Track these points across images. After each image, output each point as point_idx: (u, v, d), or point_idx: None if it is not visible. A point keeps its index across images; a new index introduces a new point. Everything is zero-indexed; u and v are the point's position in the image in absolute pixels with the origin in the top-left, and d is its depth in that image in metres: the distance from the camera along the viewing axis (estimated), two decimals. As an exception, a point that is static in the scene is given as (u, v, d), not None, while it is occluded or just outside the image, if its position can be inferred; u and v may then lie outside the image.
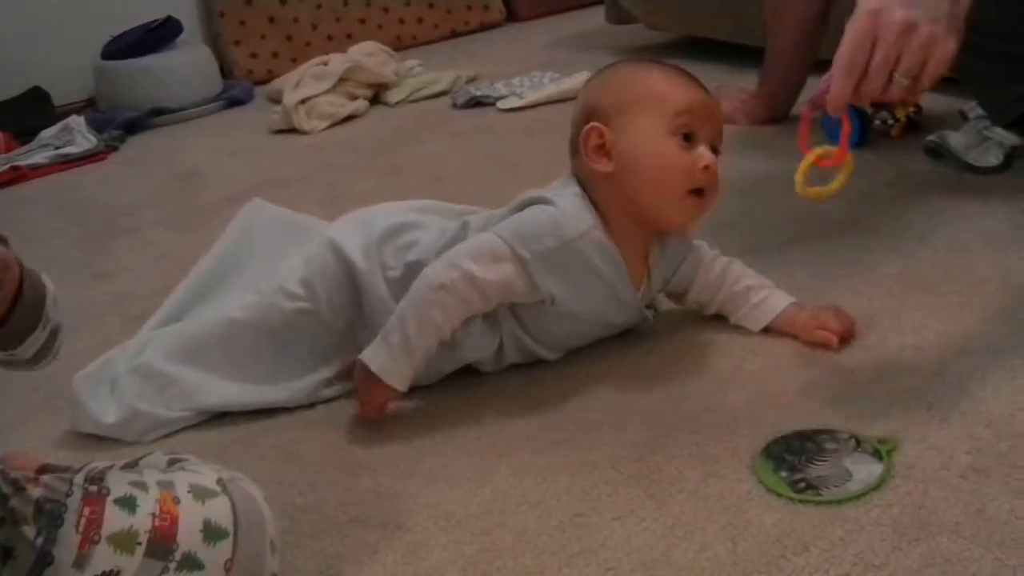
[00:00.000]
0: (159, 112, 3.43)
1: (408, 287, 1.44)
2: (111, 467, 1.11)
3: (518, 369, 1.51)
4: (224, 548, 1.05)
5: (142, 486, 1.05)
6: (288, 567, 1.17)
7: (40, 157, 3.13)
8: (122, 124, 3.34)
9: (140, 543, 1.00)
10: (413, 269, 1.46)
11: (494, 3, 4.29)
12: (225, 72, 3.81)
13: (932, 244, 1.64)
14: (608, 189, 1.44)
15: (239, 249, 1.76)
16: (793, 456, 1.23)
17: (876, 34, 1.24)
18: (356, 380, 1.43)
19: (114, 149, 3.22)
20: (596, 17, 3.64)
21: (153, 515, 1.02)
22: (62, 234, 2.50)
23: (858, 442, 1.24)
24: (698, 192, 1.43)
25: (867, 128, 2.19)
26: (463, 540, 1.18)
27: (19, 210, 2.77)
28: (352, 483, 1.32)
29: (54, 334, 1.11)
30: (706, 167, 1.42)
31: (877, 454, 1.21)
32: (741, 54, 2.83)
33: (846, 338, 1.46)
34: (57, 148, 3.18)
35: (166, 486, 1.06)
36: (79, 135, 3.22)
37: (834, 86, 1.29)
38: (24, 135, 3.29)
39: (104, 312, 1.97)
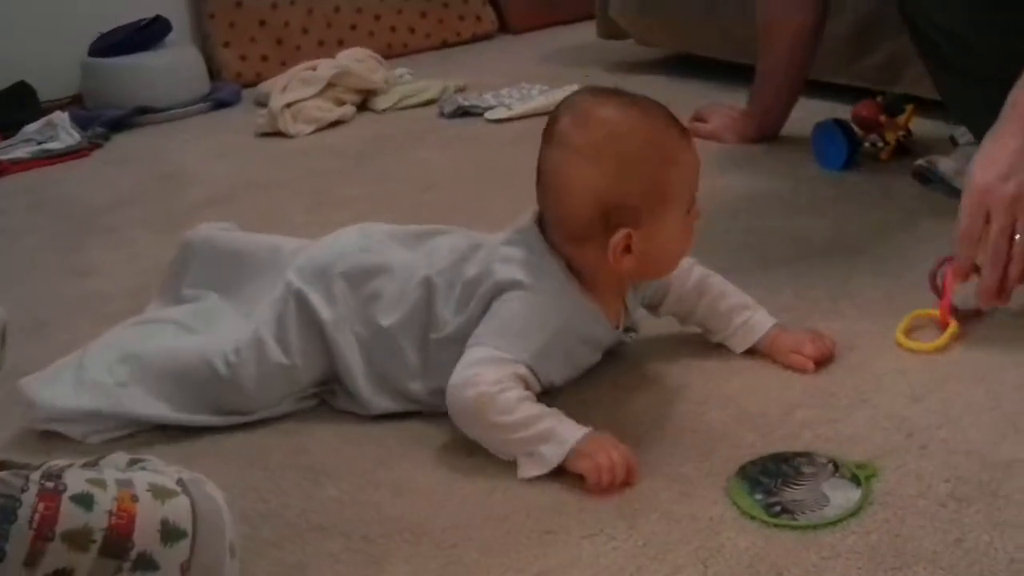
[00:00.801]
0: (144, 111, 3.37)
1: (377, 350, 1.41)
2: (70, 465, 1.08)
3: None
4: (182, 549, 1.01)
5: (100, 483, 1.02)
6: (248, 574, 1.14)
7: (21, 151, 3.08)
8: (107, 122, 3.29)
9: (95, 541, 0.97)
10: (380, 337, 1.42)
11: (486, 14, 4.26)
12: (213, 74, 3.76)
13: (918, 268, 1.61)
14: (601, 264, 1.35)
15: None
16: (769, 479, 1.20)
17: (989, 207, 1.40)
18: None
19: (98, 146, 3.16)
20: (589, 31, 3.61)
21: (110, 513, 0.99)
22: (40, 230, 2.46)
23: (836, 467, 1.21)
24: None
25: (857, 150, 2.17)
26: (427, 553, 1.15)
27: (-2, 203, 2.72)
28: (315, 491, 1.29)
29: None
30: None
31: (855, 479, 1.18)
32: (732, 72, 2.81)
33: (821, 362, 1.44)
34: (39, 143, 3.12)
35: (125, 484, 1.03)
36: (62, 131, 3.17)
37: (958, 255, 1.46)
38: (7, 129, 3.24)
39: (75, 309, 1.93)
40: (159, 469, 1.12)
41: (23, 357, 1.47)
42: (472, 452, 1.31)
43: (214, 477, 1.27)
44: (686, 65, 3.22)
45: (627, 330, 1.51)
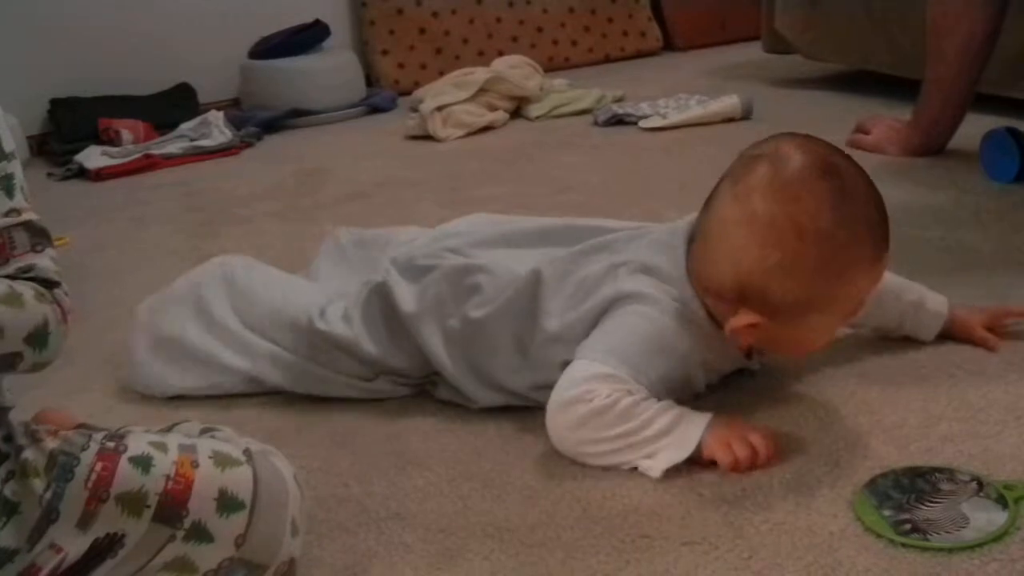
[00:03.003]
0: (298, 113, 3.37)
1: (471, 344, 1.31)
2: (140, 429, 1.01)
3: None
4: (238, 521, 0.94)
5: (162, 447, 0.95)
6: (315, 559, 1.06)
7: (174, 147, 3.11)
8: (260, 122, 3.30)
9: (149, 506, 0.91)
10: (473, 327, 1.31)
11: (651, 30, 4.15)
12: (371, 81, 3.75)
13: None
14: None
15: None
16: (901, 494, 1.06)
17: None
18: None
19: (249, 145, 3.17)
20: (755, 50, 3.50)
21: (167, 477, 0.93)
22: (177, 219, 2.45)
23: (981, 485, 1.07)
24: None
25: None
26: (508, 551, 1.04)
27: (143, 195, 2.72)
28: (401, 478, 1.20)
29: None
30: None
31: (1002, 500, 1.04)
32: (900, 87, 2.66)
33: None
34: (192, 140, 3.15)
35: (187, 449, 0.96)
36: (215, 129, 3.19)
37: None
38: (165, 127, 3.27)
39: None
40: (229, 438, 1.05)
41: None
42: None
43: (301, 457, 1.23)
44: (853, 80, 3.09)
45: (755, 355, 1.33)
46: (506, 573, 1.01)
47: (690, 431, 1.14)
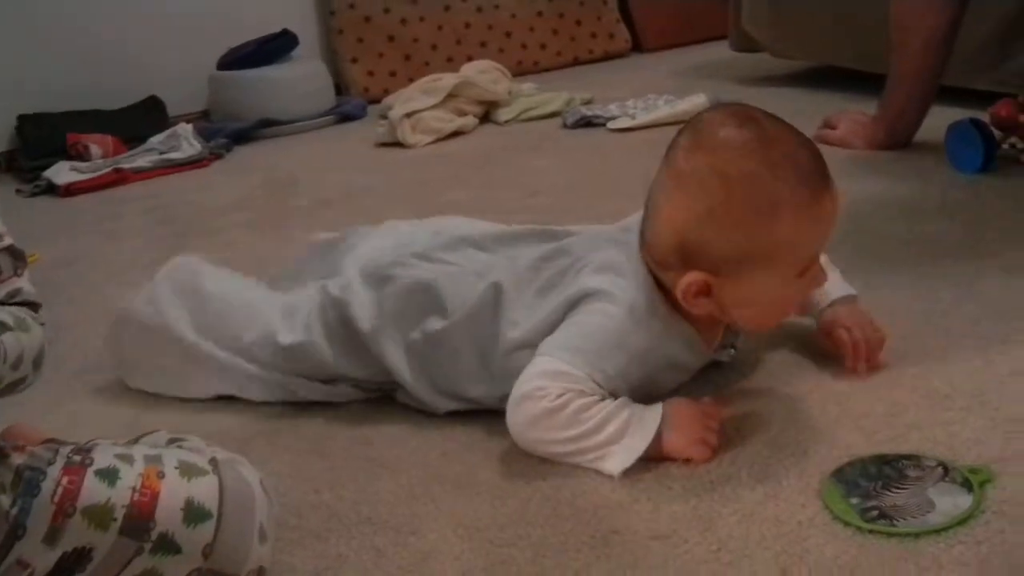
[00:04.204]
0: (268, 123, 3.36)
1: (431, 356, 1.31)
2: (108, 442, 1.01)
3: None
4: (205, 531, 0.94)
5: (127, 459, 0.95)
6: (286, 565, 1.06)
7: (144, 161, 3.10)
8: (229, 133, 3.29)
9: (116, 519, 0.91)
10: (435, 340, 1.31)
11: (620, 32, 4.17)
12: (341, 89, 3.75)
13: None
14: None
15: None
16: (868, 482, 1.07)
17: None
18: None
19: (218, 157, 3.17)
20: (723, 49, 3.51)
21: (133, 489, 0.93)
22: (147, 232, 2.45)
23: (946, 470, 1.07)
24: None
25: (994, 152, 2.01)
26: (478, 551, 1.05)
27: (113, 209, 2.71)
28: (372, 483, 1.20)
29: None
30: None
31: (967, 484, 1.04)
32: (867, 83, 2.66)
33: (863, 353, 1.30)
34: (162, 153, 3.14)
35: (153, 460, 0.96)
36: (185, 142, 3.18)
37: None
38: (134, 141, 3.26)
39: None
40: (196, 448, 1.05)
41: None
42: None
43: (271, 464, 1.24)
44: (820, 77, 3.11)
45: (727, 347, 1.34)
46: (476, 573, 1.01)
47: (642, 434, 1.14)
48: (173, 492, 0.94)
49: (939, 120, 2.20)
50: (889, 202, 1.95)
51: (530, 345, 1.23)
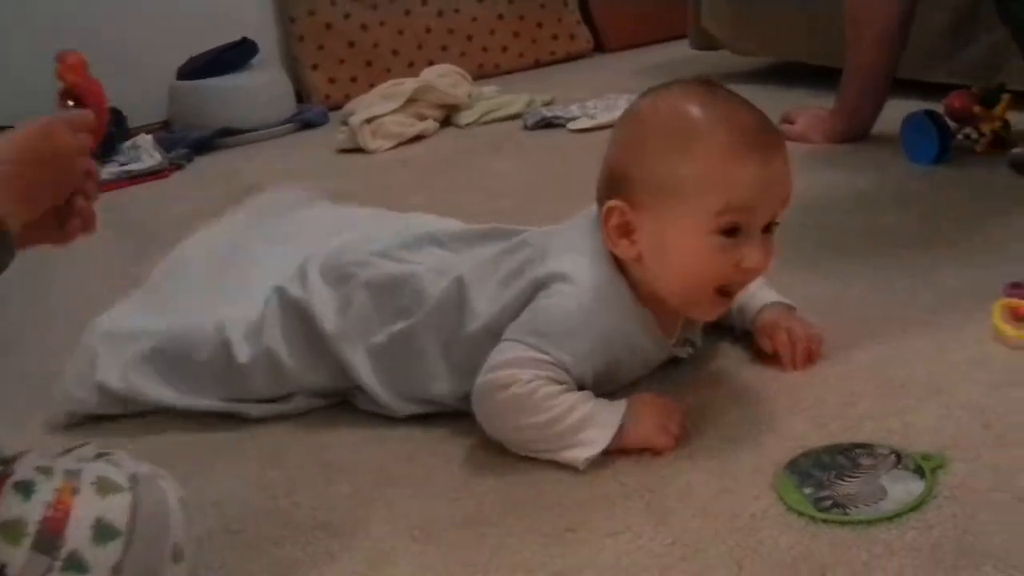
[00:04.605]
0: (228, 132, 3.34)
1: (394, 357, 1.31)
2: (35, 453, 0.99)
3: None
4: (113, 550, 0.91)
5: (47, 472, 0.93)
6: (243, 572, 1.06)
7: (104, 173, 3.08)
8: (190, 143, 3.27)
9: (28, 534, 0.88)
10: (399, 339, 1.31)
11: (581, 33, 4.17)
12: (303, 96, 3.73)
13: (1010, 261, 1.48)
14: (631, 263, 1.23)
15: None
16: (822, 471, 1.07)
17: None
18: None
19: (179, 167, 3.15)
20: (684, 48, 3.53)
21: (47, 504, 0.90)
22: (107, 245, 2.41)
23: (899, 458, 1.08)
24: (727, 291, 1.23)
25: (949, 143, 2.02)
26: (434, 552, 1.04)
27: (72, 222, 2.69)
28: (329, 488, 1.19)
29: None
30: (745, 268, 1.19)
31: (919, 471, 1.05)
32: (827, 79, 2.67)
33: (800, 351, 1.30)
34: (122, 165, 3.12)
35: (71, 475, 0.94)
36: (145, 153, 3.16)
37: None
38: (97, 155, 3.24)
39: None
40: (120, 463, 1.01)
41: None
42: (504, 448, 1.20)
43: (230, 474, 1.24)
44: (779, 72, 3.12)
45: (685, 343, 1.34)
46: (434, 573, 1.01)
47: (607, 424, 1.15)
48: (85, 509, 0.91)
49: (896, 112, 2.20)
50: (846, 194, 1.96)
51: (494, 334, 1.23)
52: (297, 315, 1.37)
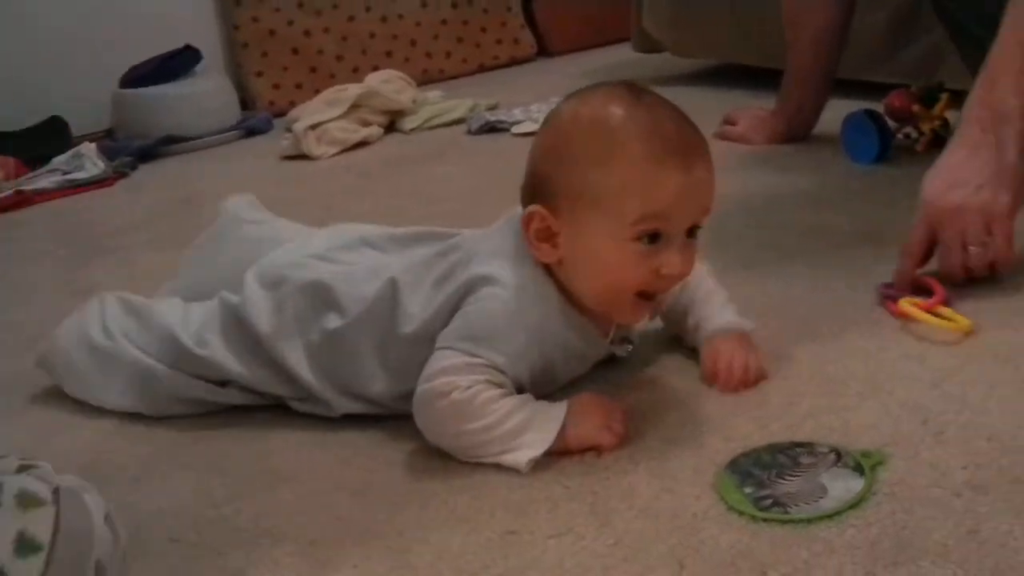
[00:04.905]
0: (172, 140, 3.33)
1: (330, 355, 1.31)
2: None
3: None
4: (35, 564, 0.90)
5: None
6: (185, 583, 1.05)
7: (47, 182, 3.05)
8: (133, 152, 3.25)
9: None
10: (334, 339, 1.31)
11: (525, 37, 4.18)
12: (247, 103, 3.72)
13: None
14: (556, 266, 1.24)
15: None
16: (762, 471, 1.08)
17: (935, 220, 1.41)
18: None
19: (123, 176, 3.12)
20: (627, 51, 3.56)
21: None
22: (49, 254, 2.41)
23: (839, 455, 1.09)
24: (648, 295, 1.23)
25: (889, 142, 2.04)
26: (377, 557, 1.04)
27: (14, 232, 2.67)
28: (271, 495, 1.19)
29: None
30: (665, 275, 1.19)
31: (859, 468, 1.06)
32: (767, 80, 2.69)
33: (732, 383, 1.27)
34: (65, 174, 3.09)
35: None
36: (88, 161, 3.13)
37: (898, 266, 1.45)
38: (37, 162, 3.21)
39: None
40: (44, 476, 0.99)
41: (22, 369, 1.56)
42: (438, 454, 1.20)
43: (172, 484, 1.23)
44: (720, 74, 3.15)
45: (623, 341, 1.35)
46: (375, 579, 1.01)
47: (548, 425, 1.15)
48: (7, 523, 0.91)
49: (836, 112, 2.23)
50: (787, 194, 1.98)
51: (427, 337, 1.23)
52: (234, 319, 1.37)
